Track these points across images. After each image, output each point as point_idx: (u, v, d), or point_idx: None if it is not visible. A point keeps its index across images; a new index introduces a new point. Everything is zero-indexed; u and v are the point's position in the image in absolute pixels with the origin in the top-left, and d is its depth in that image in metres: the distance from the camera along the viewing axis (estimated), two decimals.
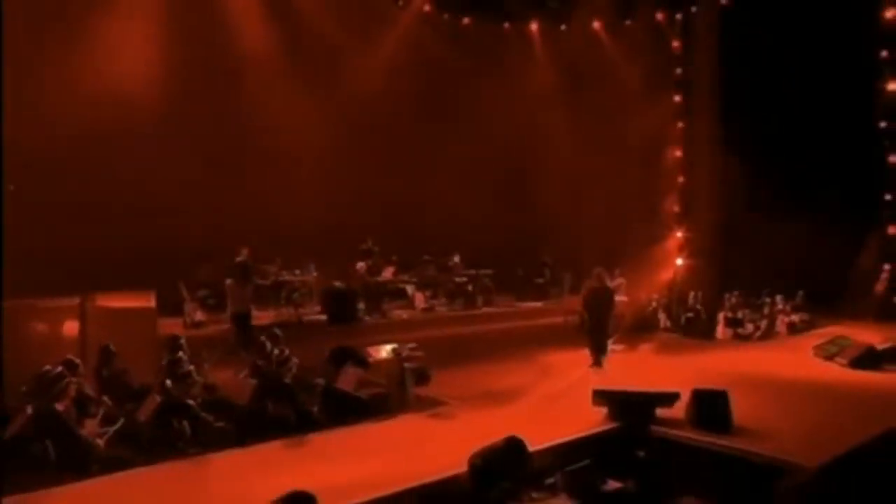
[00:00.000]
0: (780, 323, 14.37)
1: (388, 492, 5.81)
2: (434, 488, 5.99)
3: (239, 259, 11.49)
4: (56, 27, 11.90)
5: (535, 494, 6.47)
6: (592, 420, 7.81)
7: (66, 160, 11.42)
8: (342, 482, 5.85)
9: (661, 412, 7.80)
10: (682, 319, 14.82)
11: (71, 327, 8.78)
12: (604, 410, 7.94)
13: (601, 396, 8.01)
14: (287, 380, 7.73)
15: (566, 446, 7.10)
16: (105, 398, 7.52)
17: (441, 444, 7.02)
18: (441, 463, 6.28)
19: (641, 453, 7.13)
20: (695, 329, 14.32)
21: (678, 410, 7.80)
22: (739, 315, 14.45)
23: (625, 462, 7.07)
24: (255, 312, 11.90)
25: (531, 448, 6.43)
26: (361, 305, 13.53)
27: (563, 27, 18.60)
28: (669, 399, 7.78)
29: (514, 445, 5.92)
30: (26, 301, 8.56)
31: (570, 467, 6.60)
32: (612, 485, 6.75)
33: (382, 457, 6.69)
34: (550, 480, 6.65)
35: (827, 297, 14.89)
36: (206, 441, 6.92)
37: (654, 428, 7.58)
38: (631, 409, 7.74)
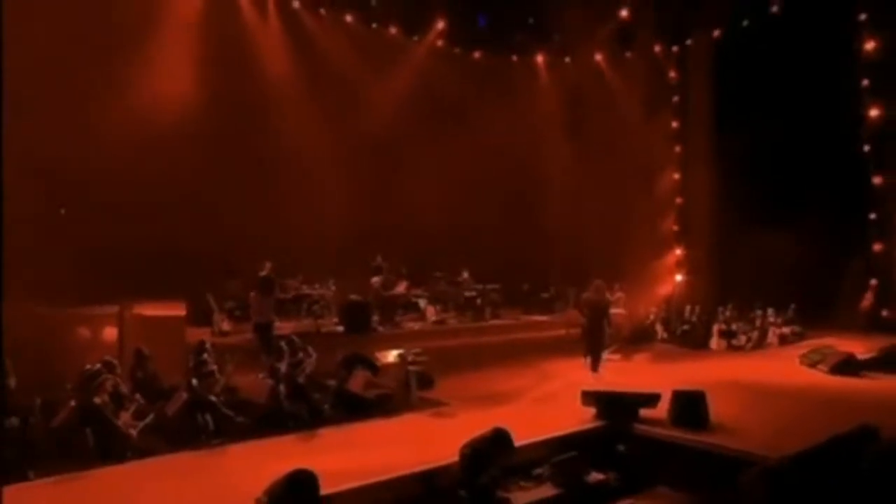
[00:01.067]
0: (772, 335, 14.48)
1: (387, 477, 6.19)
2: (429, 475, 6.35)
3: (262, 273, 11.94)
4: (114, 58, 12.49)
5: (523, 483, 6.81)
6: (581, 419, 8.11)
7: (109, 183, 11.99)
8: (347, 468, 6.24)
9: (645, 412, 8.07)
10: (678, 331, 15.00)
11: (110, 332, 9.30)
12: (592, 410, 8.24)
13: (589, 397, 8.31)
14: (301, 380, 8.16)
15: (554, 441, 7.41)
16: (138, 396, 7.98)
17: (439, 438, 7.33)
18: (438, 454, 6.62)
19: (621, 448, 7.41)
20: (690, 340, 14.47)
21: (661, 410, 8.07)
22: (733, 327, 14.57)
23: (607, 456, 7.37)
24: (277, 323, 12.31)
25: (524, 442, 6.82)
26: (376, 317, 13.93)
27: (567, 59, 19.13)
28: (651, 400, 8.06)
29: (500, 436, 6.26)
30: (72, 309, 9.13)
31: (556, 458, 6.91)
32: (595, 476, 7.06)
33: (385, 448, 7.07)
34: (538, 471, 6.98)
35: (817, 311, 14.99)
36: (226, 434, 7.36)
37: (637, 426, 7.86)
38: (616, 408, 8.03)
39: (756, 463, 6.61)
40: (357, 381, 8.73)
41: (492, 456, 6.18)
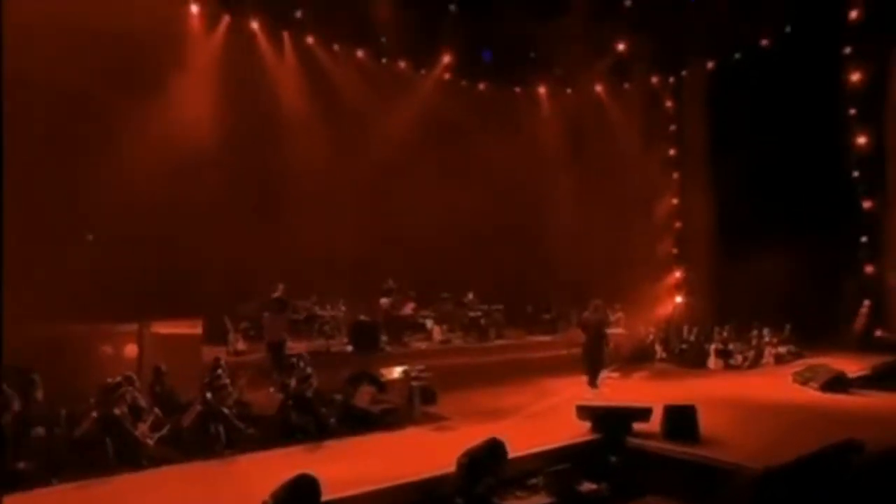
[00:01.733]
0: (768, 354, 14.48)
1: (387, 485, 6.34)
2: (428, 483, 6.49)
3: (275, 294, 12.15)
4: (139, 93, 12.78)
5: (518, 493, 6.93)
6: (577, 432, 8.22)
7: (134, 211, 12.25)
8: (349, 477, 6.41)
9: (639, 426, 8.15)
10: (677, 350, 15.05)
11: (131, 349, 9.54)
12: (588, 424, 8.34)
13: (584, 411, 8.42)
14: (308, 394, 8.35)
15: (549, 453, 7.53)
16: (156, 410, 8.18)
17: (440, 449, 7.44)
18: (437, 464, 6.77)
19: (613, 459, 7.50)
20: (688, 359, 14.52)
21: (655, 425, 8.15)
22: (730, 347, 14.60)
23: (600, 467, 7.46)
24: (290, 343, 12.48)
25: (520, 454, 6.95)
26: (384, 337, 14.07)
27: (568, 90, 19.46)
28: (643, 414, 8.15)
29: (494, 446, 6.44)
30: (95, 326, 9.41)
31: (551, 469, 7.02)
32: (588, 486, 7.15)
33: (386, 459, 7.24)
34: (533, 481, 7.09)
35: (813, 331, 15.00)
36: (237, 445, 7.57)
37: (630, 439, 7.95)
38: (610, 422, 8.13)
39: (741, 474, 6.72)
40: (363, 397, 8.91)
41: (487, 465, 6.34)
